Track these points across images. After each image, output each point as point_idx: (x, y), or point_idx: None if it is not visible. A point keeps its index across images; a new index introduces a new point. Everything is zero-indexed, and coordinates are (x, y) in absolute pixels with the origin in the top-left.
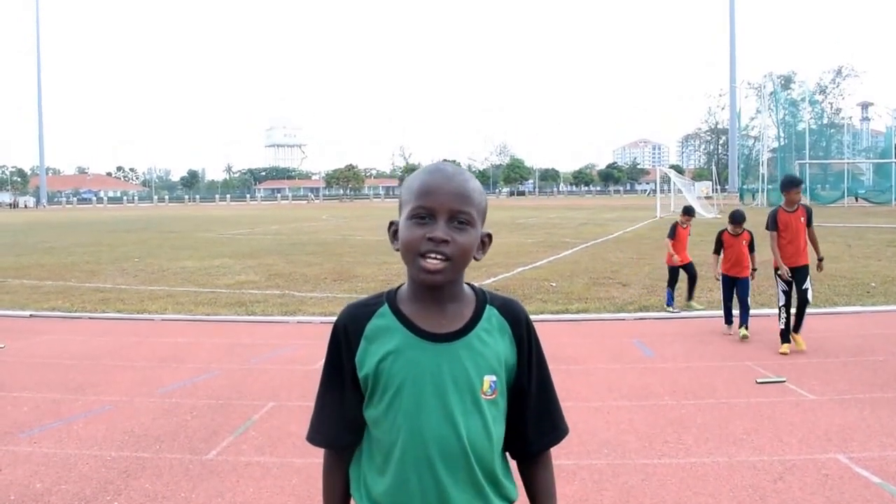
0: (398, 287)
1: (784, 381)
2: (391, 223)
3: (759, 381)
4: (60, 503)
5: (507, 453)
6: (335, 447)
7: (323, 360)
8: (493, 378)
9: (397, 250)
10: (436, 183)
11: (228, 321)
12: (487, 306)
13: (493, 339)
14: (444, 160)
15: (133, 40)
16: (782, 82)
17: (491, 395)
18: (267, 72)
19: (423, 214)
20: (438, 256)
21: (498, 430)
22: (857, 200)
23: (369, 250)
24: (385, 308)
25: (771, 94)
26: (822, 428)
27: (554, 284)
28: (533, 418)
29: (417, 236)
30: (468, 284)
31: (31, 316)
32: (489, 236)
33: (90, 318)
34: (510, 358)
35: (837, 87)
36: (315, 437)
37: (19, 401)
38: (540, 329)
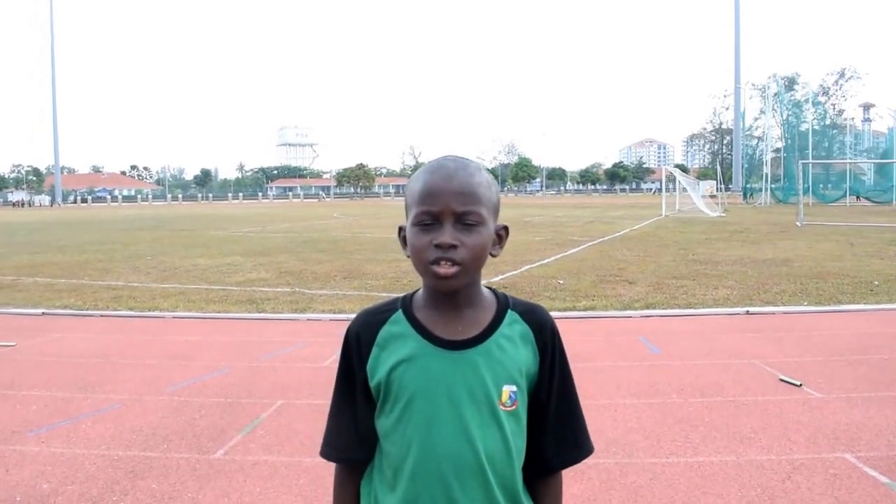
0: (414, 292)
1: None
2: (400, 228)
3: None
4: None
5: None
6: (349, 462)
7: (332, 360)
8: (513, 388)
9: (409, 256)
10: (437, 184)
11: (239, 319)
12: (509, 312)
13: (514, 347)
14: (447, 155)
15: (147, 40)
16: (786, 84)
17: (510, 406)
18: (279, 72)
19: (427, 221)
20: (448, 262)
21: (518, 445)
22: (858, 200)
23: (379, 248)
24: (399, 314)
25: (775, 95)
26: (829, 427)
27: (561, 282)
28: (553, 434)
29: (424, 243)
30: (489, 288)
31: (43, 314)
32: (505, 229)
33: (101, 315)
34: (532, 367)
35: (840, 88)
36: (328, 451)
37: (28, 399)
38: None
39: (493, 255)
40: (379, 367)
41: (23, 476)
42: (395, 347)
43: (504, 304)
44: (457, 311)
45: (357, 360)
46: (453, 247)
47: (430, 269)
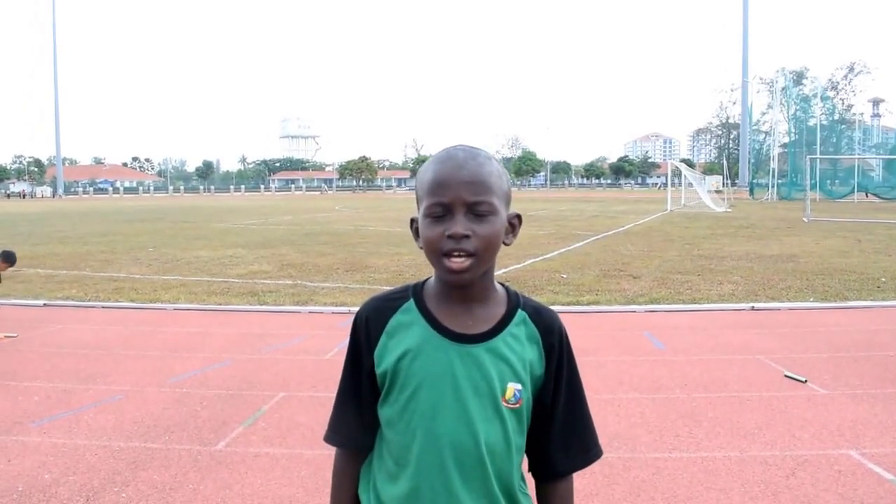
0: (425, 280)
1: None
2: (412, 220)
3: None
4: (67, 494)
5: (529, 472)
6: (352, 448)
7: (333, 353)
8: (519, 387)
9: (422, 248)
10: (447, 174)
11: (240, 311)
12: (519, 310)
13: (521, 346)
14: (457, 145)
15: (149, 32)
16: (794, 78)
17: (514, 404)
18: (281, 64)
19: (438, 212)
20: (462, 254)
21: (518, 442)
22: (867, 196)
23: (381, 241)
24: (410, 303)
25: (783, 89)
26: (834, 423)
27: (565, 276)
28: (559, 438)
29: (437, 235)
30: (502, 285)
31: (44, 305)
32: (518, 217)
33: (103, 307)
34: (537, 369)
35: (849, 83)
36: (332, 436)
37: (30, 390)
38: None
39: (506, 244)
40: (386, 355)
41: (24, 466)
42: (404, 336)
43: (515, 302)
44: (468, 304)
45: (365, 346)
46: (466, 237)
47: (442, 263)
